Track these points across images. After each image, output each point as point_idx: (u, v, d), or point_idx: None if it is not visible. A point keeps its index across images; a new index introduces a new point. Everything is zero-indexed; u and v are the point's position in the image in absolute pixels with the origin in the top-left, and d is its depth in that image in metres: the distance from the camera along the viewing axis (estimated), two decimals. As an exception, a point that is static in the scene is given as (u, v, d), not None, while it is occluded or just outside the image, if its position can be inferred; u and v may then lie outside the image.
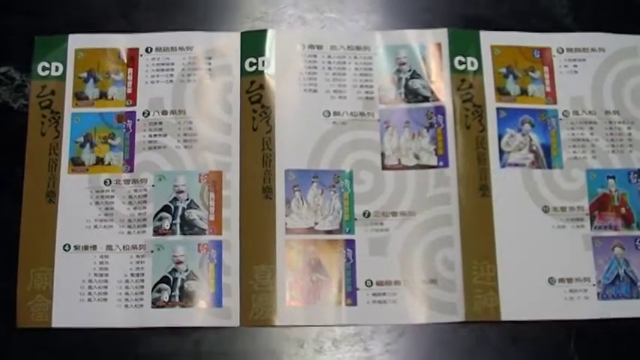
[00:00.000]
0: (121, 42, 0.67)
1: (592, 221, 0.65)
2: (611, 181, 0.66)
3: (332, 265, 0.63)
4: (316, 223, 0.64)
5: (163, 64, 0.66)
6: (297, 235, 0.63)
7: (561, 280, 0.64)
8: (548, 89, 0.68)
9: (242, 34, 0.67)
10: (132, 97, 0.66)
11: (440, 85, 0.66)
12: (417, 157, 0.65)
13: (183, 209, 0.63)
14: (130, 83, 0.66)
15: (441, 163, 0.65)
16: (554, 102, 0.67)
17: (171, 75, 0.66)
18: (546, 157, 0.66)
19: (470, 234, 0.64)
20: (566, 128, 0.67)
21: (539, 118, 0.67)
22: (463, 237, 0.63)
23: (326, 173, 0.64)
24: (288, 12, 0.69)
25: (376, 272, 0.63)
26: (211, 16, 0.68)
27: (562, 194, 0.65)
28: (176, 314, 0.62)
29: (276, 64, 0.66)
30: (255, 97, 0.65)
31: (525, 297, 0.63)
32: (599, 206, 0.66)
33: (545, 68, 0.68)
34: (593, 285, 0.64)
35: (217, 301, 0.62)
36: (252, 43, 0.67)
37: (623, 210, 0.66)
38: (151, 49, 0.66)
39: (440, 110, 0.66)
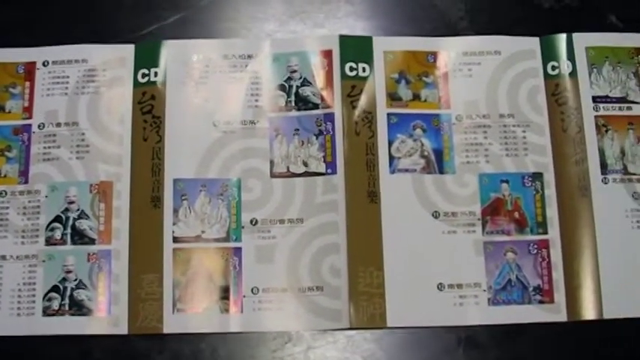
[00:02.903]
0: (19, 56, 0.68)
1: (484, 226, 0.65)
2: (504, 185, 0.66)
3: (218, 273, 0.64)
4: (203, 232, 0.64)
5: (59, 77, 0.67)
6: (185, 243, 0.64)
7: (450, 286, 0.63)
8: (442, 93, 0.67)
9: (136, 46, 0.68)
10: (28, 110, 0.67)
11: (330, 92, 0.67)
12: (305, 164, 0.65)
13: (74, 219, 0.65)
14: (27, 96, 0.67)
15: (329, 171, 0.65)
16: (448, 106, 0.67)
17: (67, 88, 0.67)
18: (438, 162, 0.66)
19: (356, 241, 0.63)
20: (459, 133, 0.66)
21: (431, 123, 0.67)
22: (349, 244, 0.63)
23: (214, 182, 0.65)
24: (182, 23, 0.69)
25: (263, 280, 0.63)
26: (107, 28, 0.69)
27: (453, 199, 0.65)
28: (66, 322, 0.63)
29: (168, 75, 0.67)
30: (146, 108, 0.66)
31: (413, 303, 0.63)
32: (492, 211, 0.65)
33: (438, 72, 0.67)
34: (484, 290, 0.63)
35: (106, 309, 0.63)
36: (146, 55, 0.67)
37: (516, 214, 0.65)
38: (48, 63, 0.68)
39: (329, 117, 0.66)
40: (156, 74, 0.67)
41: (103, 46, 0.68)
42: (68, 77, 0.67)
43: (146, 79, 0.67)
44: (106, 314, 0.63)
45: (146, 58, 0.67)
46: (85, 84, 0.67)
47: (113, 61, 0.68)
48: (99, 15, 0.70)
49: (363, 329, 0.63)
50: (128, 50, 0.68)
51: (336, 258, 0.63)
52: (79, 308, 0.63)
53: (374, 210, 0.64)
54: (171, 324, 0.62)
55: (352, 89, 0.66)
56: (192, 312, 0.63)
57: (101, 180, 0.65)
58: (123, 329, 0.63)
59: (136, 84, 0.67)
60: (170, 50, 0.68)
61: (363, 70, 0.67)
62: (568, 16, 0.69)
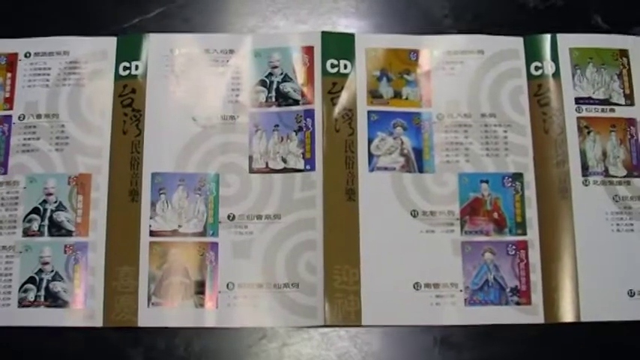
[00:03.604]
0: (0, 47, 0.68)
1: (462, 226, 0.64)
2: (484, 185, 0.65)
3: (194, 268, 0.63)
4: (180, 226, 0.64)
5: (40, 69, 0.67)
6: (161, 237, 0.64)
7: (427, 286, 0.63)
8: (423, 92, 0.67)
9: (118, 38, 0.68)
10: (9, 101, 0.67)
11: (311, 88, 0.66)
12: (284, 160, 0.65)
13: (52, 211, 0.65)
14: (8, 88, 0.67)
15: (307, 167, 0.65)
16: (429, 105, 0.67)
17: (48, 79, 0.67)
18: (417, 161, 0.65)
19: (333, 238, 0.63)
20: (439, 131, 0.66)
21: (412, 122, 0.66)
22: (326, 241, 0.63)
23: (192, 176, 0.65)
24: (164, 17, 0.69)
25: (238, 275, 0.63)
26: (89, 21, 0.69)
27: (432, 199, 0.65)
28: (41, 314, 0.63)
29: (149, 69, 0.67)
30: (126, 101, 0.66)
31: (389, 302, 0.63)
32: (471, 211, 0.65)
33: (420, 70, 0.67)
34: (461, 291, 0.63)
35: (82, 301, 0.63)
36: (128, 48, 0.67)
37: (495, 215, 0.65)
38: (30, 54, 0.68)
39: (309, 113, 0.66)
40: (137, 67, 0.67)
41: (85, 38, 0.68)
42: (50, 69, 0.67)
43: (127, 72, 0.67)
44: (82, 306, 0.63)
45: (128, 51, 0.67)
46: (66, 76, 0.67)
47: (95, 53, 0.67)
48: (81, 7, 0.70)
49: (337, 327, 0.62)
50: (110, 43, 0.68)
51: (312, 255, 0.63)
52: (54, 300, 0.63)
53: (352, 208, 0.64)
54: (146, 317, 0.62)
55: (333, 86, 0.66)
56: (167, 306, 0.63)
57: (80, 172, 0.65)
58: (98, 322, 0.62)
59: (117, 77, 0.67)
60: (152, 44, 0.67)
61: (345, 67, 0.67)
62: (553, 16, 0.69)
